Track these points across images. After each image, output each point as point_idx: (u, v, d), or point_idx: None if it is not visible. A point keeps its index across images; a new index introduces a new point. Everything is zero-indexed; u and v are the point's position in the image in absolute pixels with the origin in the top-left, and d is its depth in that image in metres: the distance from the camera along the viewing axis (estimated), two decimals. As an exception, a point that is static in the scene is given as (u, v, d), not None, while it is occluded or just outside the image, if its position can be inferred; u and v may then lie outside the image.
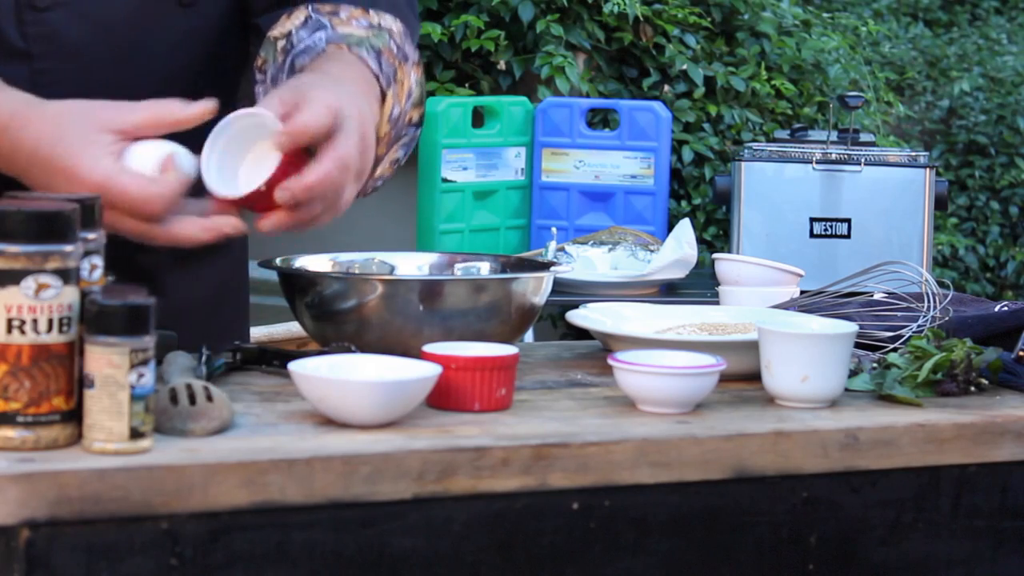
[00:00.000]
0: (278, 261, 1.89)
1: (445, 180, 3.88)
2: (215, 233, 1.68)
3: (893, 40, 7.12)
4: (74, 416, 1.45)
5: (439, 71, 4.36)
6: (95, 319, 1.42)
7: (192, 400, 1.52)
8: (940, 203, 3.71)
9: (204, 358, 1.66)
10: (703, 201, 4.43)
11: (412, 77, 1.89)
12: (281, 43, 1.88)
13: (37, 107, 1.68)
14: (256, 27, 1.96)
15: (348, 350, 1.72)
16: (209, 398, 1.53)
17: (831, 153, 3.71)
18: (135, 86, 1.80)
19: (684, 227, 3.59)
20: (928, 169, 3.70)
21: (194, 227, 1.68)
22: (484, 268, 1.99)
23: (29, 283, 1.42)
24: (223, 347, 1.78)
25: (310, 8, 1.89)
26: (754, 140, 4.47)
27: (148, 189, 1.64)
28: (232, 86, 2.02)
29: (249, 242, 2.07)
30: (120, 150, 1.66)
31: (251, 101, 1.90)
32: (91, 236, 1.50)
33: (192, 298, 1.96)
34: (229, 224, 1.69)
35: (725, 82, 4.50)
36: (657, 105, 4.04)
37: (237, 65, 2.00)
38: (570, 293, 3.47)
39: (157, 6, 1.86)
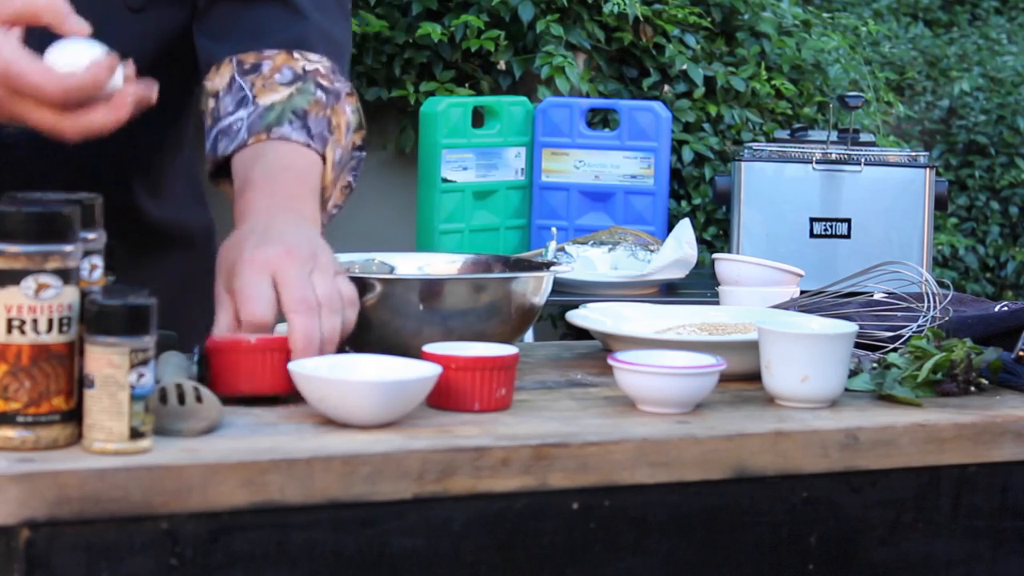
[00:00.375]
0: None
1: (445, 180, 3.87)
2: (121, 110, 1.63)
3: (893, 40, 7.12)
4: (74, 416, 1.45)
5: (439, 71, 4.36)
6: (95, 319, 1.43)
7: (181, 400, 1.52)
8: (940, 203, 3.71)
9: (196, 358, 1.66)
10: (703, 201, 4.43)
11: (347, 110, 1.90)
12: (211, 103, 1.90)
13: None
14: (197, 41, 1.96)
15: (342, 350, 1.72)
16: (199, 399, 1.53)
17: (831, 153, 3.71)
18: None
19: (684, 227, 3.59)
20: (928, 169, 3.69)
21: (100, 113, 1.63)
22: (483, 268, 1.99)
23: (29, 283, 1.42)
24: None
25: (235, 64, 1.90)
26: (754, 140, 4.47)
27: (49, 75, 1.60)
28: (184, 92, 2.03)
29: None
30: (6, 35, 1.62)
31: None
32: (91, 236, 1.51)
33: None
34: (133, 95, 1.63)
35: (725, 82, 4.50)
36: (657, 105, 4.04)
37: (188, 73, 1.99)
38: (570, 293, 3.46)
39: (106, 10, 1.86)
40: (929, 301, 1.92)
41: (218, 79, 1.91)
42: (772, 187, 3.70)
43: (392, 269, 1.98)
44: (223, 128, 1.87)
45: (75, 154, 1.81)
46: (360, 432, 1.54)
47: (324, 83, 1.90)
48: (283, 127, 1.85)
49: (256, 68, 1.90)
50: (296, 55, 1.91)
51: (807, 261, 3.30)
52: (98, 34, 1.82)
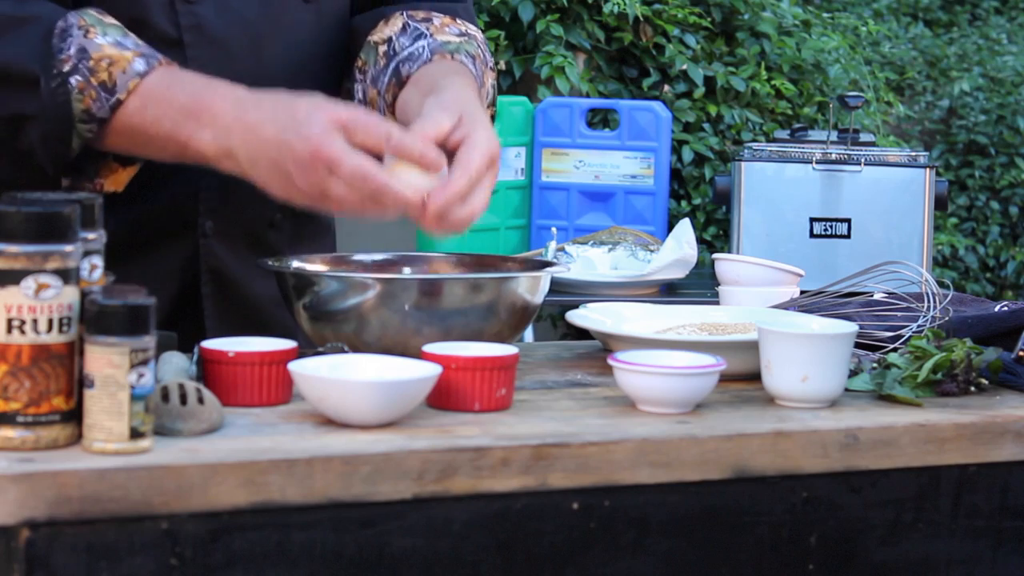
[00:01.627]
0: (275, 262, 1.90)
1: (445, 180, 3.87)
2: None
3: (893, 40, 7.12)
4: (74, 416, 1.45)
5: (439, 71, 4.36)
6: (95, 319, 1.43)
7: (183, 400, 1.52)
8: (940, 203, 3.71)
9: (195, 358, 1.66)
10: (703, 201, 4.43)
11: (490, 81, 2.03)
12: (383, 48, 2.00)
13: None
14: (350, 27, 2.09)
15: (340, 350, 1.72)
16: (200, 400, 1.53)
17: (831, 153, 3.71)
18: (270, 74, 1.93)
19: (684, 227, 3.59)
20: (928, 169, 3.69)
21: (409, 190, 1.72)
22: (482, 268, 2.00)
23: (29, 283, 1.42)
24: None
25: (406, 15, 2.02)
26: (754, 140, 4.47)
27: (388, 125, 1.72)
28: (339, 80, 2.13)
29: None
30: None
31: (349, 96, 2.04)
32: (91, 236, 1.51)
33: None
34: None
35: (725, 82, 4.50)
36: (657, 105, 4.04)
37: (344, 61, 2.10)
38: (570, 293, 3.46)
39: (283, 3, 1.98)
40: (929, 301, 1.92)
41: (388, 29, 2.02)
42: (772, 187, 3.70)
43: (391, 269, 1.98)
44: (404, 57, 1.99)
45: None
46: (360, 432, 1.54)
47: (482, 48, 2.04)
48: (461, 55, 1.98)
49: (427, 20, 2.02)
50: (459, 20, 2.05)
51: (807, 261, 3.30)
52: (279, 27, 1.98)
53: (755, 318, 1.90)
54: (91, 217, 1.51)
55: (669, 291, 3.61)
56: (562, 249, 3.70)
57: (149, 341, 1.43)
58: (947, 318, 1.90)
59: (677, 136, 4.40)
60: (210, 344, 1.66)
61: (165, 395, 1.52)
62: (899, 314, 1.94)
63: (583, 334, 2.02)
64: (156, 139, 1.77)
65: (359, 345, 1.77)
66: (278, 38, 1.97)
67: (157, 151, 1.80)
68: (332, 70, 2.08)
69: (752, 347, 1.78)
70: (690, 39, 4.52)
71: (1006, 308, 1.93)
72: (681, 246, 3.55)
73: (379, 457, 1.48)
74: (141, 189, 1.91)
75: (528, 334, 3.81)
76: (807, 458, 1.63)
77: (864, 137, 3.81)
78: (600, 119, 4.39)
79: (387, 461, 1.48)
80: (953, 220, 6.31)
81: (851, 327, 1.76)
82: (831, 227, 3.69)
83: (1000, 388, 1.83)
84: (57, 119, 1.76)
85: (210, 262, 1.99)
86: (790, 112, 4.62)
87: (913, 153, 3.73)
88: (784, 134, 3.86)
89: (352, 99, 2.04)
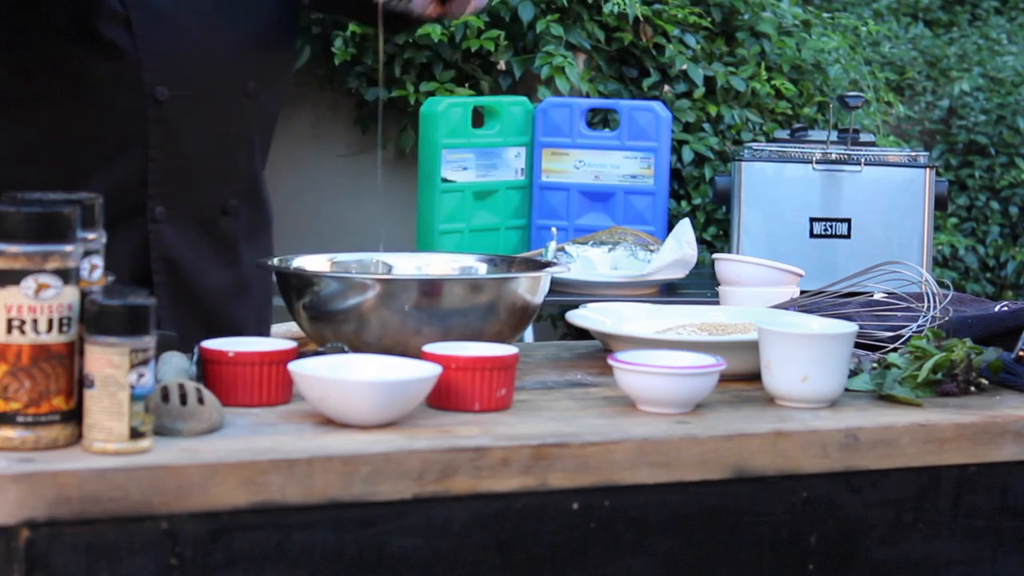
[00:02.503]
0: (276, 261, 1.90)
1: (445, 180, 3.87)
2: None
3: (893, 40, 7.12)
4: (74, 416, 1.45)
5: (439, 71, 4.36)
6: (95, 319, 1.43)
7: (183, 400, 1.52)
8: (940, 203, 3.71)
9: (195, 358, 1.66)
10: (703, 201, 4.43)
11: None
12: None
13: None
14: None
15: (340, 350, 1.72)
16: (200, 400, 1.53)
17: (831, 153, 3.70)
18: (219, 45, 1.96)
19: (684, 227, 3.59)
20: (928, 169, 3.69)
21: None
22: (482, 268, 2.00)
23: (29, 283, 1.42)
24: None
25: None
26: (754, 140, 4.47)
27: None
28: (293, 58, 2.15)
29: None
30: None
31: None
32: (91, 236, 1.51)
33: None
34: None
35: (725, 82, 4.50)
36: (657, 105, 4.03)
37: (294, 38, 2.11)
38: (570, 293, 3.46)
39: None
40: (929, 301, 1.92)
41: None
42: (772, 187, 3.69)
43: (390, 270, 1.98)
44: None
45: (217, 116, 1.94)
46: (360, 432, 1.54)
47: None
48: None
49: None
50: None
51: (807, 261, 3.30)
52: (230, 4, 1.97)
53: (755, 318, 1.90)
54: (91, 217, 1.51)
55: (669, 291, 3.61)
56: (562, 249, 3.70)
57: (149, 341, 1.44)
58: (947, 318, 1.90)
59: (677, 136, 4.40)
60: (210, 344, 1.66)
61: (165, 395, 1.52)
62: (899, 314, 1.94)
63: (583, 334, 2.02)
64: None
65: (359, 345, 1.77)
66: (226, 8, 1.98)
67: None
68: (284, 49, 2.08)
69: (752, 347, 1.78)
70: (690, 39, 4.51)
71: (1006, 308, 1.93)
72: (681, 246, 3.54)
73: (379, 457, 1.48)
74: (87, 173, 1.90)
75: (528, 334, 3.81)
76: (807, 458, 1.63)
77: (864, 137, 3.81)
78: (600, 119, 4.39)
79: (387, 461, 1.48)
80: (953, 220, 6.30)
81: (851, 327, 1.76)
82: (831, 227, 3.69)
83: (1000, 388, 1.83)
84: None
85: (161, 249, 1.97)
86: (790, 112, 4.61)
87: (913, 153, 3.73)
88: (784, 134, 3.86)
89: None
